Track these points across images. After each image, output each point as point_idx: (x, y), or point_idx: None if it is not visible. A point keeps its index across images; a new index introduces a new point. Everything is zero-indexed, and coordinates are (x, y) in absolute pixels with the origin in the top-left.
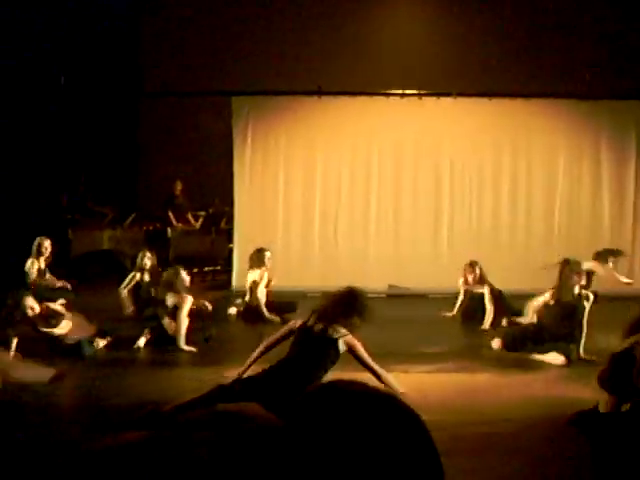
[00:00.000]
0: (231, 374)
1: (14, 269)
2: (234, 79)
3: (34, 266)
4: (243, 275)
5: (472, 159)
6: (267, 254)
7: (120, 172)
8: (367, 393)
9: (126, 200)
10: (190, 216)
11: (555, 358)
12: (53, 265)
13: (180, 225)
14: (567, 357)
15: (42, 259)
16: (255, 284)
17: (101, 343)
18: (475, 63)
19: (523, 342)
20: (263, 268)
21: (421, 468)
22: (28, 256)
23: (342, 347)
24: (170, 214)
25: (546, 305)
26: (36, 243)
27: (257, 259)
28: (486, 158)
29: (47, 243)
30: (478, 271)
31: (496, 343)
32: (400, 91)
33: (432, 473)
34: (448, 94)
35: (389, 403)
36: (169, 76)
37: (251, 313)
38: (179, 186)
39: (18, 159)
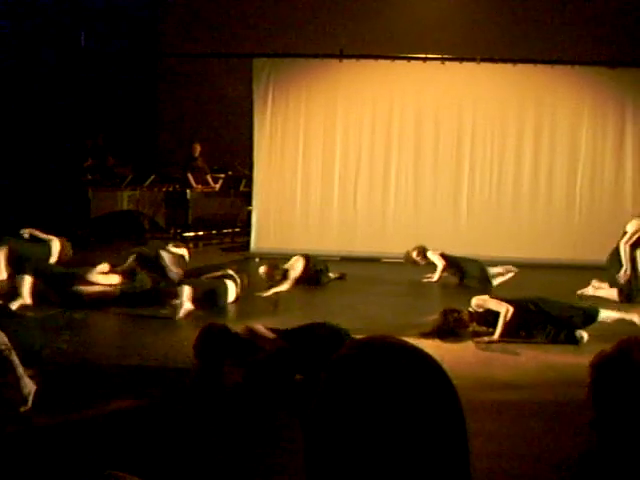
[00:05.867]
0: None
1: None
2: (255, 41)
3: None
4: (261, 237)
5: (494, 125)
6: None
7: (139, 133)
8: (399, 347)
9: (145, 161)
10: (210, 178)
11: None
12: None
13: (199, 187)
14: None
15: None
16: None
17: None
18: (499, 28)
19: None
20: None
21: (447, 420)
22: (49, 215)
23: None
24: (189, 176)
25: None
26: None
27: None
28: (508, 124)
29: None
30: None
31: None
32: (422, 55)
33: (456, 426)
34: (472, 59)
35: (420, 357)
36: (189, 37)
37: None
38: (198, 148)
39: (38, 119)
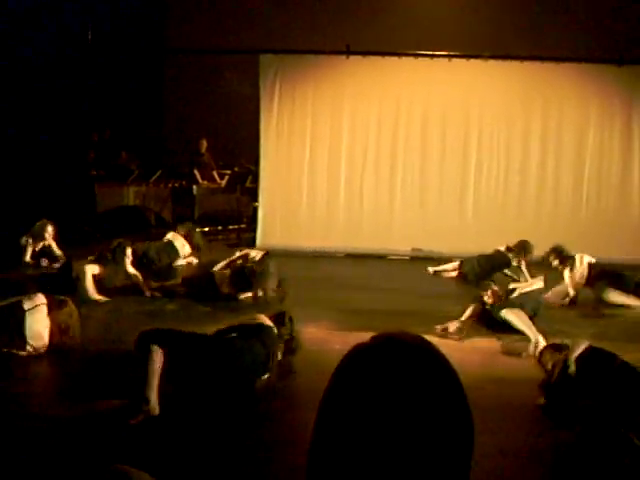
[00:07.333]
0: None
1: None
2: (262, 37)
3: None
4: (267, 234)
5: (501, 123)
6: None
7: (146, 129)
8: (413, 344)
9: (152, 157)
10: (216, 174)
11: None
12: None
13: (206, 183)
14: None
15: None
16: None
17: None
18: (506, 25)
19: None
20: None
21: (453, 419)
22: (55, 210)
23: None
24: (196, 172)
25: None
26: (39, 224)
27: None
28: (515, 122)
29: (50, 228)
30: None
31: None
32: (430, 52)
33: (462, 425)
34: (478, 56)
35: (431, 355)
36: (196, 33)
37: None
38: (204, 144)
39: (45, 115)
